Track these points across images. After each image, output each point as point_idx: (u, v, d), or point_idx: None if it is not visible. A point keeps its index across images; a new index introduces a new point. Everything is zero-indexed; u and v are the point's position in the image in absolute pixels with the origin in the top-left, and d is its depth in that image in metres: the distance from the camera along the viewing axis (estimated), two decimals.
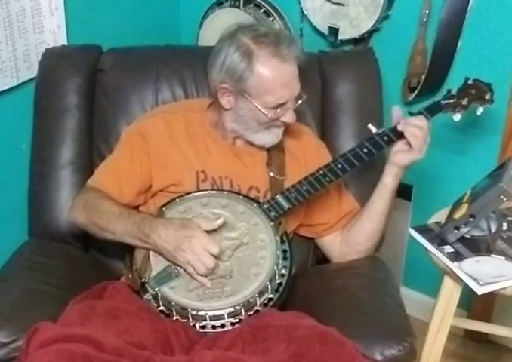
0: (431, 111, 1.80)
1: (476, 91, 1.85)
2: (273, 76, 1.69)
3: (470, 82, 1.86)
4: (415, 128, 1.70)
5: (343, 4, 2.27)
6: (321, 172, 1.74)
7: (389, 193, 1.79)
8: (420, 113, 1.79)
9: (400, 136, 1.73)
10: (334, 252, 1.90)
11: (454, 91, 1.85)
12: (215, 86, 1.76)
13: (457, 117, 1.84)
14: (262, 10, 2.43)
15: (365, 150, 1.74)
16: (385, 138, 1.74)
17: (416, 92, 2.25)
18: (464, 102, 1.83)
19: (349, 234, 1.86)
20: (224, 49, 1.72)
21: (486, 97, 1.86)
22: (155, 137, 1.81)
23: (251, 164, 1.83)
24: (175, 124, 1.83)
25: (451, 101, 1.83)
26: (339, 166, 1.74)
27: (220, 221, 1.65)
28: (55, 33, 2.21)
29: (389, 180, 1.78)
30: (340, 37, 2.31)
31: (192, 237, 1.60)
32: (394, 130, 1.73)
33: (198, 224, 1.63)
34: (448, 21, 2.13)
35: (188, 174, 1.79)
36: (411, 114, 1.81)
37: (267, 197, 1.78)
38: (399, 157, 1.75)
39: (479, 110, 1.86)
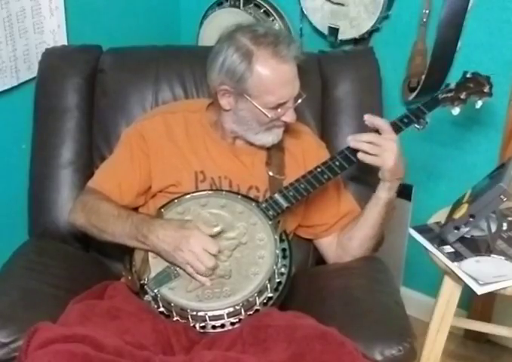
0: (429, 106, 1.80)
1: (475, 84, 1.85)
2: (273, 76, 1.69)
3: (468, 75, 1.86)
4: (365, 145, 1.70)
5: (343, 4, 2.27)
6: (319, 169, 1.73)
7: (382, 205, 1.79)
8: (417, 108, 1.79)
9: None
10: (331, 254, 1.90)
11: (452, 85, 1.85)
12: (215, 87, 1.76)
13: (455, 111, 1.84)
14: (262, 10, 2.43)
15: None
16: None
17: (416, 92, 2.25)
18: (463, 95, 1.83)
19: (344, 239, 1.86)
20: (223, 50, 1.71)
21: (485, 90, 1.86)
22: (154, 138, 1.81)
23: (250, 163, 1.83)
24: (175, 124, 1.83)
25: (449, 95, 1.83)
26: (337, 163, 1.74)
27: (217, 229, 1.65)
28: (55, 33, 2.21)
29: (381, 194, 1.78)
30: (340, 37, 2.31)
31: (190, 237, 1.60)
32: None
33: (196, 225, 1.64)
34: (448, 21, 2.12)
35: (187, 174, 1.79)
36: (409, 109, 1.81)
37: (267, 197, 1.78)
38: (380, 173, 1.74)
39: (479, 103, 1.86)
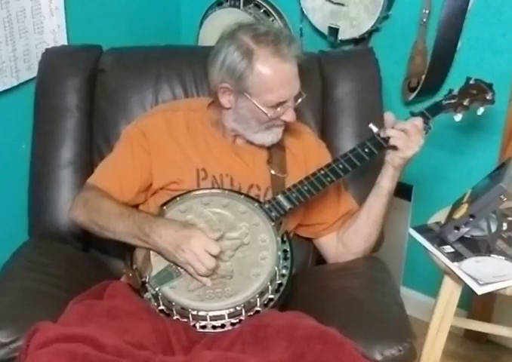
0: (433, 112, 1.80)
1: (478, 91, 1.85)
2: (273, 75, 1.69)
3: (471, 82, 1.86)
4: (397, 132, 1.71)
5: (343, 4, 2.27)
6: (322, 172, 1.74)
7: (385, 195, 1.79)
8: (421, 113, 1.79)
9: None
10: (331, 252, 1.90)
11: (455, 91, 1.85)
12: (215, 85, 1.76)
13: (458, 117, 1.84)
14: (262, 10, 2.43)
15: (366, 150, 1.74)
16: (386, 138, 1.74)
17: (416, 92, 2.25)
18: (466, 102, 1.83)
19: (345, 235, 1.86)
20: (224, 48, 1.72)
21: (487, 97, 1.86)
22: (155, 135, 1.81)
23: (251, 162, 1.83)
24: (176, 122, 1.83)
25: (453, 101, 1.83)
26: (340, 166, 1.74)
27: (218, 233, 1.65)
28: (55, 33, 2.21)
29: (384, 182, 1.78)
30: (340, 37, 2.31)
31: (192, 237, 1.60)
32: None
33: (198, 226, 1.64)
34: (448, 21, 2.13)
35: (188, 172, 1.79)
36: (412, 114, 1.81)
37: (268, 195, 1.78)
38: (390, 156, 1.75)
39: (480, 110, 1.86)
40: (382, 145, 1.74)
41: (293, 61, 1.71)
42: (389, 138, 1.72)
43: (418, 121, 1.73)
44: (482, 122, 2.20)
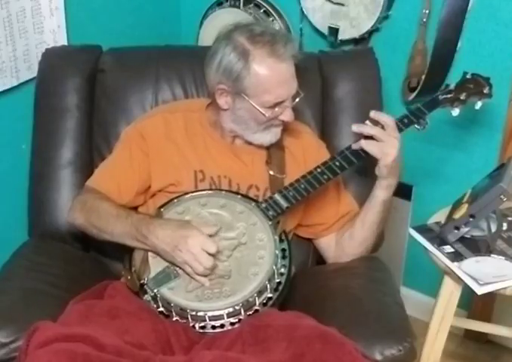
0: (429, 107, 1.80)
1: (475, 85, 1.85)
2: (270, 75, 1.69)
3: (468, 76, 1.87)
4: (366, 140, 1.71)
5: (343, 4, 2.27)
6: (319, 170, 1.74)
7: (379, 204, 1.79)
8: (417, 109, 1.79)
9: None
10: (330, 253, 1.90)
11: (452, 86, 1.85)
12: (213, 86, 1.76)
13: (455, 112, 1.84)
14: (262, 10, 2.43)
15: None
16: None
17: (416, 92, 2.25)
18: (462, 96, 1.83)
19: (343, 238, 1.86)
20: (220, 49, 1.72)
21: (485, 91, 1.86)
22: (154, 137, 1.81)
23: (250, 162, 1.83)
24: (175, 123, 1.83)
25: (449, 96, 1.83)
26: (337, 163, 1.74)
27: (214, 228, 1.65)
28: (55, 33, 2.21)
29: (378, 192, 1.78)
30: (340, 37, 2.31)
31: (189, 237, 1.60)
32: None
33: (194, 225, 1.64)
34: (448, 21, 2.13)
35: (186, 174, 1.79)
36: (409, 110, 1.81)
37: (267, 196, 1.78)
38: (377, 169, 1.74)
39: (478, 104, 1.87)
40: None
41: (289, 61, 1.71)
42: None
43: (388, 122, 1.71)
44: (483, 122, 2.21)
